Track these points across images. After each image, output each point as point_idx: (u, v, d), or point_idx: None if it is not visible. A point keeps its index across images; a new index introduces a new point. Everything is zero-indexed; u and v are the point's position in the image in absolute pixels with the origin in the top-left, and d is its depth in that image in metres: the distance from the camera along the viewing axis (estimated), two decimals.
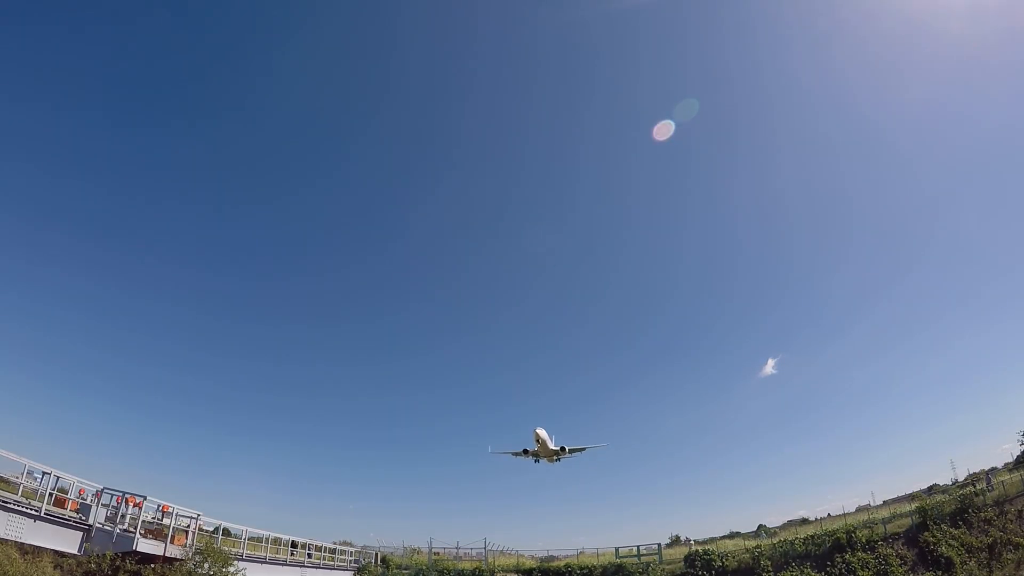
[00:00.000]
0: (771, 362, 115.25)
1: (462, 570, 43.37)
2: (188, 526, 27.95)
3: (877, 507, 53.02)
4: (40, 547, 21.72)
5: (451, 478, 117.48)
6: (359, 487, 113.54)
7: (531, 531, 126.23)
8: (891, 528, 39.80)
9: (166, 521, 26.57)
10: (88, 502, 24.50)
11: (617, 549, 42.72)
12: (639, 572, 40.54)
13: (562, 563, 44.34)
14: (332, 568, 40.65)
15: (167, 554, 25.33)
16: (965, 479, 52.03)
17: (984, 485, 42.99)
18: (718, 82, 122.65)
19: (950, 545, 37.12)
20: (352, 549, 46.17)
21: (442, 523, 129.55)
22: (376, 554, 46.40)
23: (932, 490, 54.09)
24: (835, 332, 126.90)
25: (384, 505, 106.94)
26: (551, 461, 53.24)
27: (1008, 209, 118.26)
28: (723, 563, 39.25)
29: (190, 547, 26.81)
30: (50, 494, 22.57)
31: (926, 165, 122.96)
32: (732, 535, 54.30)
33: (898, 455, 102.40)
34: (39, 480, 23.82)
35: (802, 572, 37.46)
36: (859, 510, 52.94)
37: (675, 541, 56.68)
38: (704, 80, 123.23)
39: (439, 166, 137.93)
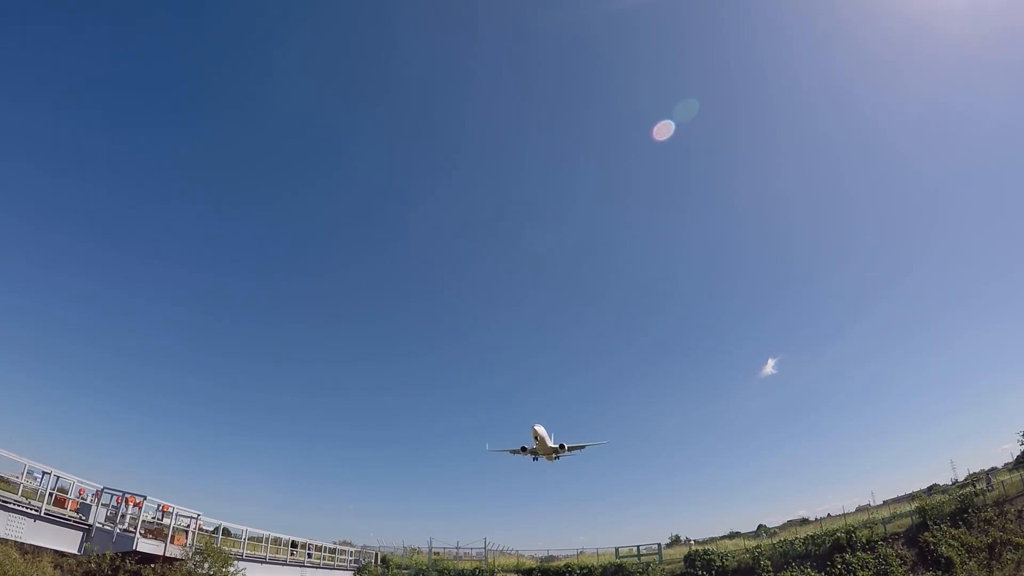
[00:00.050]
0: (771, 362, 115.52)
1: (462, 570, 43.36)
2: (188, 526, 27.97)
3: (877, 507, 53.04)
4: (40, 547, 21.75)
5: (451, 478, 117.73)
6: (359, 487, 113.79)
7: (531, 531, 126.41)
8: (891, 528, 39.82)
9: (166, 521, 26.57)
10: (88, 502, 24.50)
11: (617, 549, 42.76)
12: (639, 572, 40.55)
13: (562, 563, 44.36)
14: (332, 568, 40.64)
15: (167, 554, 25.34)
16: (965, 479, 52.02)
17: (984, 485, 43.03)
18: (718, 82, 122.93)
19: (950, 545, 37.14)
20: (352, 549, 46.18)
21: (442, 523, 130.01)
22: (376, 554, 46.39)
23: (932, 490, 54.08)
24: (835, 332, 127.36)
25: (384, 505, 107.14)
26: (550, 459, 52.98)
27: (1008, 209, 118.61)
28: (723, 563, 39.26)
29: (190, 547, 26.82)
30: (50, 494, 22.56)
31: (926, 165, 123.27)
32: (732, 535, 54.27)
33: (898, 455, 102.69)
34: (39, 480, 23.82)
35: (802, 572, 37.47)
36: (859, 510, 52.93)
37: (675, 541, 56.72)
38: (704, 80, 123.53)
39: (439, 166, 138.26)
